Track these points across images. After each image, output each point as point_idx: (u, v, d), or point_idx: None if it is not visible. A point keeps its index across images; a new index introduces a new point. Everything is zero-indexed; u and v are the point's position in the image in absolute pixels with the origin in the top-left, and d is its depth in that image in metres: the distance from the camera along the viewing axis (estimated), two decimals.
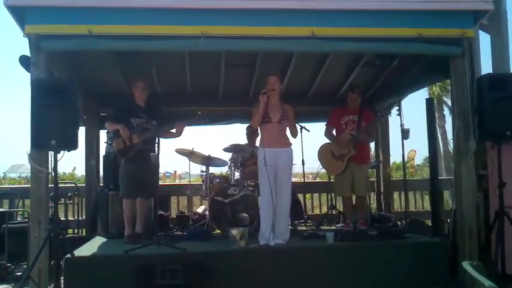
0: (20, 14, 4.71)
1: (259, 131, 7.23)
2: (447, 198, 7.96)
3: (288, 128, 5.73)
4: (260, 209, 5.66)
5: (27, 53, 4.83)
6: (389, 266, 5.17)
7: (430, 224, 6.59)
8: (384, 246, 5.40)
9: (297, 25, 5.02)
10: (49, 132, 4.34)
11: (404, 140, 6.67)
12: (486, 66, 5.65)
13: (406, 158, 7.23)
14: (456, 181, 5.32)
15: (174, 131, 5.90)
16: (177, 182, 18.15)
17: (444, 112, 22.52)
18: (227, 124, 8.56)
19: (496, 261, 4.74)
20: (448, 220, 5.82)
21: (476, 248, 5.12)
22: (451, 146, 19.12)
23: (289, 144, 5.75)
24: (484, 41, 5.73)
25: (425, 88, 14.84)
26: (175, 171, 18.75)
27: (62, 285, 4.54)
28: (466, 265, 2.87)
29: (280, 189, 5.54)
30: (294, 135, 5.81)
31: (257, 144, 7.34)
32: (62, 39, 4.75)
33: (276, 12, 5.00)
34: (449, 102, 20.50)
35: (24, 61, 4.99)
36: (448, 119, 21.83)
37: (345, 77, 7.55)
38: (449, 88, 6.81)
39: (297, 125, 6.03)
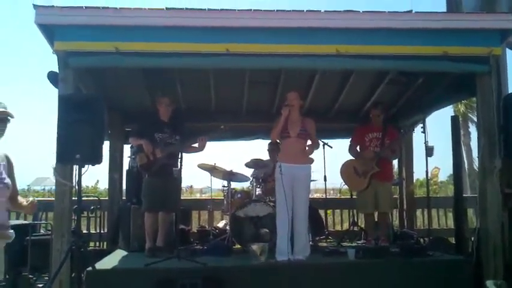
0: (49, 31, 4.82)
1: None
2: (471, 216, 7.85)
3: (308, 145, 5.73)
4: (277, 225, 5.64)
5: (55, 68, 4.94)
6: (412, 284, 5.11)
7: (454, 242, 6.49)
8: (406, 264, 5.33)
9: (321, 43, 5.03)
10: (75, 146, 4.39)
11: (428, 158, 6.61)
12: None
13: (429, 175, 7.16)
14: (481, 199, 5.25)
15: (196, 145, 5.94)
16: (198, 196, 18.21)
17: (469, 129, 22.25)
18: (250, 140, 8.59)
19: None
20: (472, 238, 5.73)
21: (501, 266, 5.04)
22: (475, 164, 18.95)
23: (308, 161, 5.73)
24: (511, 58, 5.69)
25: (451, 105, 14.69)
26: (191, 186, 18.68)
27: None
28: (490, 284, 2.82)
29: (297, 206, 5.54)
30: (315, 147, 5.78)
31: None
32: (89, 55, 4.86)
33: (301, 30, 5.02)
34: (475, 119, 20.25)
35: (52, 77, 5.09)
36: (473, 137, 21.59)
37: (369, 94, 7.52)
38: (475, 105, 6.74)
39: (320, 141, 6.02)
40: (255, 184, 7.03)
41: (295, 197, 5.54)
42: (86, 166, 4.51)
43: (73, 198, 4.78)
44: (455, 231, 6.29)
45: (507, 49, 5.64)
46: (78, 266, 4.45)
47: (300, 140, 5.63)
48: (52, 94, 4.92)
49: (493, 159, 5.14)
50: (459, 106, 20.33)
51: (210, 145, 6.06)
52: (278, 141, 7.13)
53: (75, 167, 4.58)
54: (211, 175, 7.23)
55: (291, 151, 5.57)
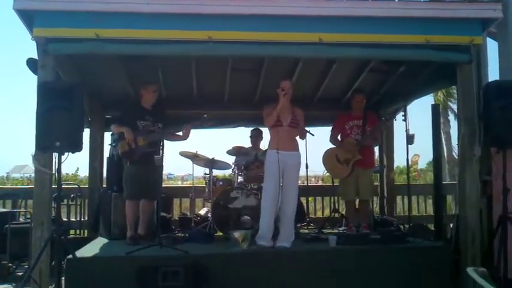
0: (28, 17, 4.72)
1: (263, 135, 7.25)
2: (450, 202, 7.95)
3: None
4: (262, 211, 5.66)
5: (34, 55, 4.86)
6: (392, 270, 5.17)
7: (433, 229, 6.58)
8: (386, 250, 5.39)
9: (304, 31, 5.01)
10: (54, 133, 4.36)
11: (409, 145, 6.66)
12: (492, 73, 5.66)
13: (409, 162, 7.22)
14: (460, 186, 5.31)
15: (180, 133, 5.91)
16: (179, 183, 18.16)
17: (449, 117, 22.47)
18: (232, 127, 8.57)
19: (498, 266, 4.76)
20: (451, 225, 5.81)
21: (479, 253, 5.12)
22: (455, 152, 19.18)
23: (298, 149, 5.77)
24: (491, 47, 5.74)
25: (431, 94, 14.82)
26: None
27: (63, 286, 4.54)
28: (471, 271, 2.86)
29: (286, 193, 5.56)
30: (302, 137, 5.92)
31: (261, 147, 7.38)
32: (69, 42, 4.77)
33: (284, 18, 5.00)
34: (454, 108, 20.46)
35: (31, 64, 5.01)
36: (453, 124, 21.81)
37: (351, 83, 7.54)
38: (454, 94, 6.81)
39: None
40: (236, 172, 7.03)
41: (285, 184, 5.57)
42: (66, 154, 4.49)
43: (53, 186, 4.73)
44: (435, 218, 6.36)
45: (488, 38, 5.68)
46: (58, 254, 4.43)
47: (291, 129, 5.66)
48: (31, 80, 4.84)
49: (472, 147, 5.19)
50: (439, 94, 20.49)
51: (192, 133, 6.03)
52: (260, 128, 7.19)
53: (55, 155, 4.55)
54: (193, 163, 7.21)
55: (282, 139, 5.57)
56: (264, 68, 6.75)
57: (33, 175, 5.04)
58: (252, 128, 7.77)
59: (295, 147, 5.73)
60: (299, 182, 6.41)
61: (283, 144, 5.54)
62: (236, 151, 7.26)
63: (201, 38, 4.86)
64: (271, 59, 6.43)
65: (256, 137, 7.61)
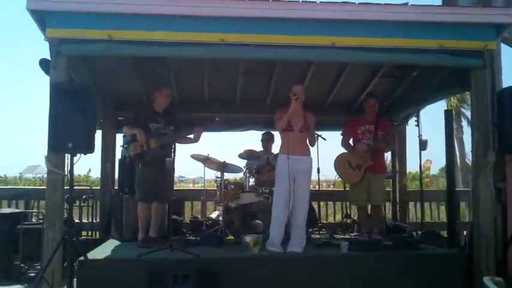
0: (41, 18, 4.74)
1: (274, 139, 7.23)
2: (463, 209, 7.87)
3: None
4: (272, 217, 5.64)
5: (48, 56, 4.87)
6: (404, 277, 5.12)
7: (446, 236, 6.52)
8: (398, 257, 5.34)
9: (317, 34, 4.99)
10: (66, 135, 4.38)
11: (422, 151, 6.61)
12: (507, 79, 5.60)
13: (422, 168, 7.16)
14: (474, 193, 5.25)
15: (191, 136, 5.91)
16: (191, 186, 18.15)
17: (462, 123, 22.33)
18: (243, 131, 8.54)
19: None
20: (465, 232, 5.74)
21: (493, 261, 5.05)
22: (468, 158, 19.05)
23: (309, 153, 5.74)
24: (506, 53, 5.68)
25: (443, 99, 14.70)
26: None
27: (75, 287, 4.55)
28: (487, 281, 2.81)
29: (298, 198, 5.52)
30: (312, 144, 5.88)
31: (273, 151, 7.35)
32: (82, 43, 4.79)
33: (296, 22, 4.98)
34: (467, 114, 20.34)
35: (44, 64, 5.03)
36: (465, 131, 21.67)
37: (363, 87, 7.51)
38: (468, 99, 6.76)
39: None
40: (248, 175, 7.01)
41: (296, 189, 5.53)
42: (78, 155, 4.50)
43: (65, 187, 4.74)
44: (448, 224, 6.29)
45: (502, 44, 5.62)
46: (70, 256, 4.44)
47: (302, 134, 5.63)
48: (44, 82, 4.86)
49: (486, 154, 5.13)
50: (452, 100, 20.39)
51: (203, 136, 6.04)
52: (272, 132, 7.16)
53: (67, 156, 4.56)
54: (204, 166, 7.20)
55: (293, 144, 5.53)
56: (276, 71, 6.74)
57: (45, 176, 5.06)
58: (263, 132, 7.75)
59: (306, 152, 5.70)
60: (311, 186, 6.38)
61: (294, 148, 5.51)
62: (248, 154, 7.24)
63: (214, 40, 4.86)
64: (284, 63, 6.41)
65: (267, 140, 7.58)
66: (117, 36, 4.76)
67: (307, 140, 5.75)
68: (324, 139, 7.19)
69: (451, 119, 6.27)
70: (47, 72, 4.89)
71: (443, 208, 8.82)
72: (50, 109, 4.45)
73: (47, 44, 4.78)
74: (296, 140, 5.57)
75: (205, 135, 6.21)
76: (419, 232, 6.93)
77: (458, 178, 16.98)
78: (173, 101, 6.71)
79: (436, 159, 14.20)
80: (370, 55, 5.13)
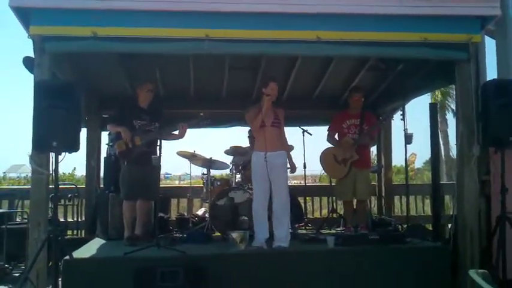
0: (24, 15, 4.67)
1: None
2: (448, 202, 7.93)
3: (283, 132, 5.80)
4: (254, 214, 5.66)
5: (31, 54, 4.81)
6: (390, 270, 5.15)
7: (431, 229, 6.57)
8: (384, 251, 5.37)
9: (302, 29, 4.98)
10: (51, 133, 4.33)
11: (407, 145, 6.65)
12: (491, 72, 5.63)
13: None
14: (459, 186, 5.29)
15: (176, 132, 5.88)
16: (177, 183, 18.09)
17: (446, 116, 22.51)
18: (230, 127, 8.52)
19: (497, 266, 4.73)
20: (449, 225, 5.79)
21: (478, 253, 5.10)
22: (452, 151, 19.20)
23: (283, 148, 5.76)
24: (490, 46, 5.71)
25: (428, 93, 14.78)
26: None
27: (60, 287, 4.51)
28: (473, 274, 2.82)
29: (276, 193, 5.56)
30: (292, 171, 6.03)
31: None
32: (66, 40, 4.73)
33: (281, 16, 4.96)
34: (452, 107, 20.49)
35: (27, 62, 4.96)
36: (450, 124, 21.85)
37: (349, 81, 7.51)
38: (452, 93, 6.80)
39: (299, 128, 6.03)
40: (234, 171, 7.01)
41: (274, 184, 5.55)
42: (63, 154, 4.45)
43: (50, 186, 4.68)
44: (433, 218, 6.34)
45: (486, 36, 5.65)
46: (55, 255, 4.40)
47: (275, 129, 5.65)
48: (28, 79, 4.79)
49: (471, 147, 5.16)
50: (437, 93, 20.53)
51: (189, 132, 6.00)
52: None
53: (52, 155, 4.51)
54: (190, 162, 7.18)
55: (267, 139, 5.56)
56: (262, 66, 6.72)
57: (30, 175, 5.00)
58: (250, 128, 7.74)
59: (281, 147, 5.72)
60: (296, 181, 6.40)
61: (270, 144, 5.54)
62: (234, 151, 7.23)
63: (198, 36, 4.83)
64: (269, 58, 6.40)
65: (254, 136, 7.57)
66: (102, 32, 4.71)
67: (281, 134, 5.76)
68: (310, 134, 7.21)
69: (435, 112, 6.30)
70: (30, 70, 4.83)
71: (428, 201, 8.90)
72: (34, 107, 4.39)
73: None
74: (271, 135, 5.59)
75: (191, 132, 6.20)
76: (405, 226, 6.97)
77: (442, 171, 17.14)
78: (159, 96, 6.68)
79: (420, 152, 14.31)
80: (355, 49, 5.13)
